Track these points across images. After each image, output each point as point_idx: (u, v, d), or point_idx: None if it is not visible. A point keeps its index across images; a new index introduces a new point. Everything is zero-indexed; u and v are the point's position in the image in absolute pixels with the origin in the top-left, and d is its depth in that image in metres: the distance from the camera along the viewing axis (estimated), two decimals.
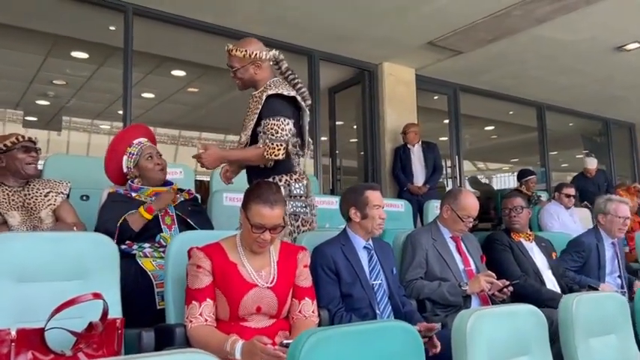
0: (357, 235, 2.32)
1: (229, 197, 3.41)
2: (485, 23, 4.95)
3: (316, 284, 2.05)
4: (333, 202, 3.72)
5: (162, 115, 7.84)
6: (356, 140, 6.63)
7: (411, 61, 5.92)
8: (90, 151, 7.84)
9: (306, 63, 5.58)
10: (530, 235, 3.13)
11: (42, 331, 1.50)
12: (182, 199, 2.72)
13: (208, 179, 4.38)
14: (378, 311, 2.17)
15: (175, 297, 1.96)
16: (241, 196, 3.32)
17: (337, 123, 6.42)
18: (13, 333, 1.44)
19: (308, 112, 2.60)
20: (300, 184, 2.46)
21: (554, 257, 3.11)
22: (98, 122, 8.16)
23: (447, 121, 6.95)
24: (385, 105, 5.92)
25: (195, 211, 2.72)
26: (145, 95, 7.00)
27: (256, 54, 2.48)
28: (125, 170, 2.70)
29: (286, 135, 2.39)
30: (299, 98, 2.52)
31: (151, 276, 2.29)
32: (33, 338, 1.48)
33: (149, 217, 2.47)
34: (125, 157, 2.71)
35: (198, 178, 4.42)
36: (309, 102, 2.59)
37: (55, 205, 2.51)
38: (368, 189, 2.34)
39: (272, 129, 2.37)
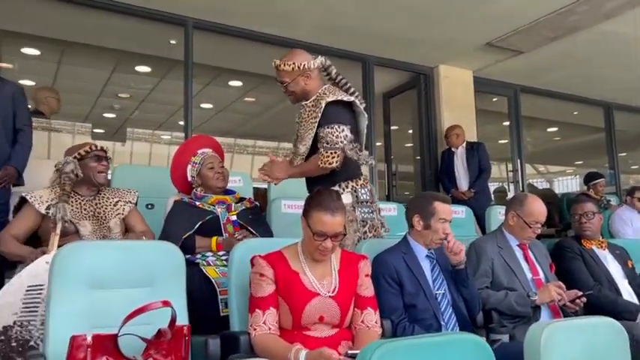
0: (418, 243, 2.27)
1: (287, 204, 3.43)
2: (548, 21, 4.76)
3: (378, 294, 2.01)
4: (391, 209, 3.67)
5: (220, 124, 8.05)
6: (411, 145, 6.54)
7: (468, 62, 5.78)
8: (152, 160, 8.17)
9: (360, 69, 5.56)
10: (602, 242, 2.96)
11: (115, 337, 1.55)
12: (243, 207, 2.76)
13: (265, 187, 4.44)
14: (442, 322, 2.11)
15: (239, 305, 1.99)
16: (300, 203, 3.34)
17: (392, 128, 6.36)
18: (89, 338, 1.50)
19: (366, 115, 2.58)
20: (366, 190, 2.45)
21: (630, 266, 2.93)
22: (159, 133, 8.50)
23: (506, 123, 6.73)
24: (442, 108, 5.81)
25: (255, 219, 2.76)
26: (204, 106, 7.21)
27: (304, 65, 2.47)
28: (189, 179, 2.78)
29: (341, 142, 2.37)
30: (357, 102, 2.51)
31: (215, 283, 2.34)
32: (107, 344, 1.53)
33: (215, 250, 2.54)
34: (189, 166, 2.80)
35: (255, 186, 4.49)
36: (363, 105, 2.58)
37: (124, 214, 2.61)
38: (437, 200, 2.25)
39: (327, 137, 2.37)
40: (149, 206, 3.36)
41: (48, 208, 2.42)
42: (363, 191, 2.43)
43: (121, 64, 5.97)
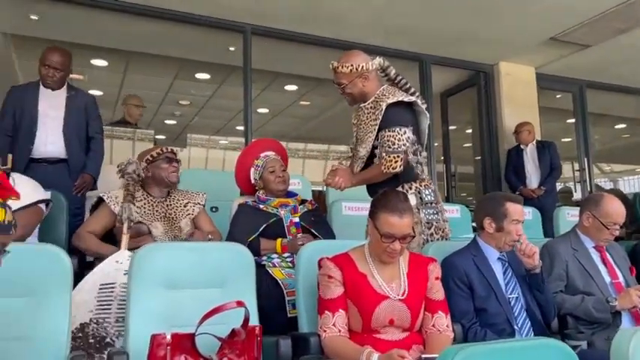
0: (489, 245, 2.19)
1: (348, 207, 3.42)
2: (617, 12, 4.52)
3: (447, 298, 1.96)
4: (453, 211, 3.59)
5: (274, 128, 8.15)
6: (470, 145, 6.38)
7: (530, 59, 5.58)
8: (207, 165, 8.38)
9: (417, 69, 5.49)
10: None
11: (193, 336, 1.59)
12: (305, 209, 2.78)
13: (323, 189, 4.45)
14: (516, 327, 2.03)
15: (307, 306, 1.99)
16: (360, 205, 3.34)
17: (450, 128, 6.23)
18: (169, 337, 1.55)
19: (427, 115, 2.54)
20: (430, 190, 2.41)
21: None
22: (215, 138, 8.72)
23: (571, 120, 6.45)
24: (503, 107, 5.63)
25: (318, 221, 2.77)
26: (260, 110, 7.32)
27: (362, 66, 2.44)
28: (253, 182, 2.83)
29: (404, 145, 2.34)
30: (419, 102, 2.47)
31: (282, 284, 2.36)
32: (185, 343, 1.58)
33: (280, 252, 2.57)
34: (252, 169, 2.84)
35: (314, 189, 4.51)
36: (425, 105, 2.53)
37: (194, 214, 2.69)
38: (509, 200, 2.17)
39: (388, 141, 2.33)
40: (213, 209, 3.44)
41: None
42: (427, 192, 2.39)
43: (182, 71, 6.17)
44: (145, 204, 2.59)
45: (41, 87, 3.28)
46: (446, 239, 2.40)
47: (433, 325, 1.86)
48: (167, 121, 7.97)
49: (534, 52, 5.39)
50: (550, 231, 4.18)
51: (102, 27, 4.62)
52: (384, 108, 2.37)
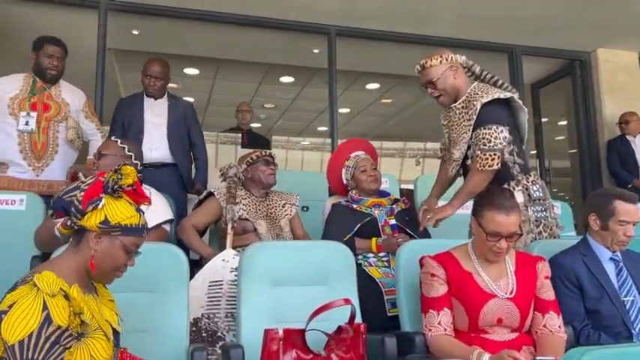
0: (600, 244, 2.07)
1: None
2: None
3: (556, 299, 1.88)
4: (554, 207, 3.41)
5: (354, 128, 8.18)
6: (562, 138, 6.03)
7: (632, 43, 5.19)
8: (287, 165, 8.57)
9: (507, 60, 5.27)
10: None
11: (303, 331, 1.64)
12: (399, 209, 2.77)
13: (411, 188, 4.40)
14: (633, 331, 1.90)
15: (409, 305, 2.00)
16: None
17: (542, 120, 5.93)
18: (281, 332, 1.61)
19: (525, 109, 2.43)
20: (538, 186, 2.31)
21: None
22: (293, 139, 8.91)
23: None
24: (603, 96, 5.27)
25: (412, 220, 2.75)
26: (341, 110, 7.38)
27: (451, 57, 2.39)
28: (345, 182, 2.87)
29: (500, 143, 2.24)
30: (515, 97, 2.38)
31: (380, 284, 2.37)
32: (296, 338, 1.63)
33: (375, 251, 2.58)
34: (343, 170, 2.88)
35: (402, 187, 4.48)
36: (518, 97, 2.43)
37: (291, 215, 2.79)
38: (620, 199, 2.04)
39: (484, 138, 2.25)
40: (304, 208, 3.52)
41: None
42: (534, 188, 2.30)
43: (267, 76, 6.36)
44: (249, 202, 2.72)
45: (145, 97, 3.52)
46: (554, 237, 2.30)
47: (544, 326, 1.79)
48: (252, 125, 8.23)
49: (636, 37, 5.00)
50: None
51: (194, 37, 4.87)
52: (478, 107, 2.29)
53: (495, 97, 2.30)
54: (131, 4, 4.30)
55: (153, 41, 4.95)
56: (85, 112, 3.27)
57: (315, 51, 5.15)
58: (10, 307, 1.13)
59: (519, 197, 2.21)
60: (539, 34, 4.98)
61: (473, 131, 2.30)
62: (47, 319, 1.13)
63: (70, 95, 3.21)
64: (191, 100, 6.21)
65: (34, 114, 3.01)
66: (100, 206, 1.27)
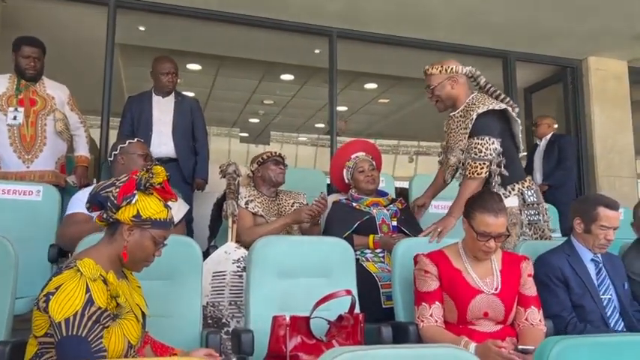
0: (583, 246, 2.25)
1: (434, 205, 3.53)
2: None
3: (542, 294, 2.05)
4: None
5: (352, 125, 8.33)
6: None
7: (622, 52, 5.37)
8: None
9: (501, 65, 5.45)
10: None
11: (308, 319, 1.81)
12: (395, 208, 2.93)
13: (406, 186, 4.56)
14: (610, 327, 2.08)
15: (404, 298, 2.17)
16: (446, 203, 3.43)
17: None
18: (287, 319, 1.77)
19: (519, 121, 2.60)
20: (532, 191, 2.47)
21: None
22: (288, 135, 9.05)
23: None
24: (592, 102, 5.46)
25: (408, 219, 2.91)
26: (340, 109, 7.52)
27: (452, 68, 2.55)
28: (346, 181, 3.03)
29: (490, 154, 2.41)
30: (510, 109, 2.54)
31: (376, 278, 2.54)
32: (301, 324, 1.79)
33: (373, 248, 2.72)
34: (345, 170, 3.04)
35: (397, 186, 4.63)
36: (517, 109, 2.59)
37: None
38: (602, 205, 2.20)
39: (475, 148, 2.42)
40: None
41: (246, 203, 2.82)
42: (529, 193, 2.46)
43: (268, 73, 6.49)
44: (262, 201, 2.88)
45: (153, 95, 3.66)
46: (545, 239, 2.46)
47: (526, 319, 1.96)
48: (251, 120, 8.38)
49: (627, 46, 5.19)
50: (568, 230, 4.02)
51: (198, 34, 4.99)
52: (474, 117, 2.45)
53: (491, 107, 2.46)
54: (140, 2, 4.42)
55: (157, 37, 5.08)
56: (70, 106, 3.39)
57: (317, 51, 5.29)
58: (57, 288, 1.28)
59: (514, 202, 2.37)
60: (533, 42, 5.15)
61: (468, 139, 2.46)
62: (90, 301, 1.28)
63: (54, 90, 3.33)
64: (192, 94, 6.37)
65: (21, 109, 3.16)
66: (133, 202, 1.43)
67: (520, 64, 5.48)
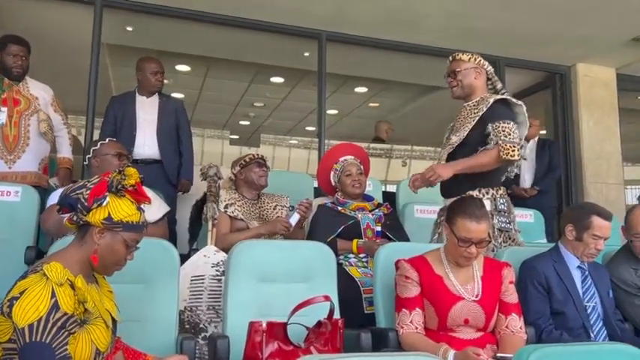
0: (570, 253, 2.24)
1: (420, 209, 3.53)
2: None
3: (525, 299, 2.04)
4: (527, 216, 3.60)
5: (341, 129, 8.32)
6: None
7: (611, 60, 5.39)
8: (275, 164, 8.69)
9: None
10: None
11: (285, 325, 1.78)
12: (381, 213, 2.91)
13: (394, 191, 4.55)
14: (592, 334, 2.07)
15: (385, 303, 2.14)
16: (432, 208, 3.43)
17: None
18: (264, 325, 1.74)
19: (527, 124, 2.57)
20: (504, 200, 2.46)
21: None
22: (280, 137, 9.01)
23: None
24: (580, 108, 5.48)
25: (393, 224, 2.89)
26: (330, 112, 7.51)
27: (480, 61, 2.58)
28: (333, 184, 3.00)
29: (518, 138, 2.38)
30: (524, 109, 2.53)
31: (359, 282, 2.51)
32: (278, 330, 1.76)
33: (356, 252, 2.71)
34: (332, 173, 3.01)
35: (389, 188, 4.62)
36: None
37: (282, 216, 2.91)
38: (597, 214, 2.18)
39: (504, 131, 2.34)
40: (290, 208, 3.65)
41: (226, 207, 2.78)
42: (501, 201, 2.44)
43: (258, 75, 6.46)
44: (242, 204, 2.84)
45: (137, 95, 3.63)
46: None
47: (507, 327, 1.95)
48: (241, 122, 8.34)
49: (615, 53, 5.20)
50: (552, 235, 4.03)
51: (187, 36, 4.95)
52: (491, 102, 2.41)
53: (509, 98, 2.47)
54: (127, 2, 4.38)
55: (145, 38, 5.03)
56: (53, 107, 3.35)
57: (306, 54, 5.27)
58: (22, 293, 1.24)
59: (487, 205, 2.35)
60: (522, 47, 5.16)
61: (489, 124, 2.38)
62: (55, 306, 1.24)
63: (38, 90, 3.30)
64: (181, 95, 6.34)
65: (4, 109, 3.12)
66: (104, 204, 1.39)
67: (509, 70, 5.49)
